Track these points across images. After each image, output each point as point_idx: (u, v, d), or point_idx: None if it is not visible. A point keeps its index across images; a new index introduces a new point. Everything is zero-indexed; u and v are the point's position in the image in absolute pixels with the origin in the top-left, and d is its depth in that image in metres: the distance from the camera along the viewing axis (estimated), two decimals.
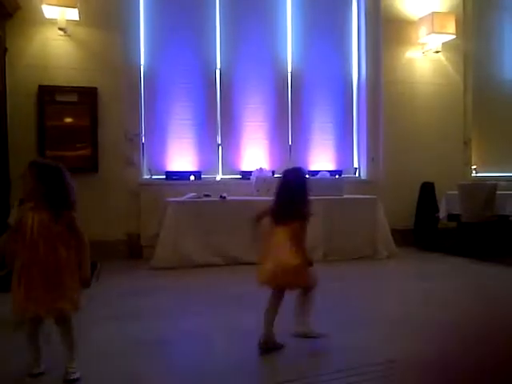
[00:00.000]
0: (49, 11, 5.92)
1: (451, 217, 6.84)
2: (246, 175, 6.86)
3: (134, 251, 6.45)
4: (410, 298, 4.34)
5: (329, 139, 7.45)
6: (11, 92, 5.94)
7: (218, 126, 7.01)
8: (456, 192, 6.65)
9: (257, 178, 6.52)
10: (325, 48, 7.41)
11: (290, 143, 7.29)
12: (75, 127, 6.23)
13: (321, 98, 7.41)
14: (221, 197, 6.07)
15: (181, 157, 6.81)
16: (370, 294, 4.58)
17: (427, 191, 7.32)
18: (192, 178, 6.73)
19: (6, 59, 5.91)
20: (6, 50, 5.89)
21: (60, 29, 6.04)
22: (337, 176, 7.20)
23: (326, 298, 4.35)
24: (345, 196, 6.56)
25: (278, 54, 7.22)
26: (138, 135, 6.60)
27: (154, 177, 6.71)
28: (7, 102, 5.91)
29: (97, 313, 3.90)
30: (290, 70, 7.27)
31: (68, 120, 6.23)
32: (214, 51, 6.95)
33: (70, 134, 6.22)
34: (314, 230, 6.12)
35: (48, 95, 6.09)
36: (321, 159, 7.39)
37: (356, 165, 7.67)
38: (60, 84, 6.12)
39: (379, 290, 4.80)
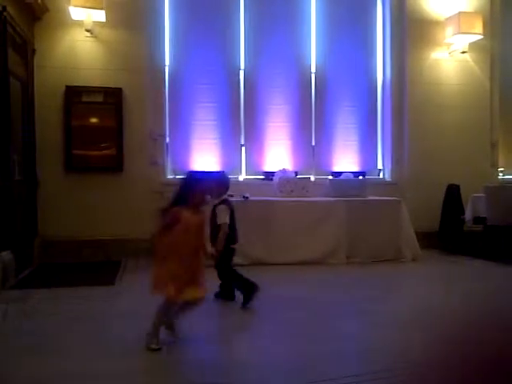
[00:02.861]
0: (76, 13, 6.01)
1: (477, 219, 6.73)
2: (268, 176, 6.86)
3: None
4: (433, 301, 4.28)
5: (353, 140, 7.40)
6: (39, 92, 6.06)
7: (241, 126, 7.02)
8: (482, 194, 6.54)
9: (280, 178, 6.52)
10: (349, 48, 7.36)
11: (314, 144, 7.26)
12: (101, 127, 6.32)
13: (345, 98, 7.36)
14: (243, 197, 6.08)
15: (204, 157, 6.85)
16: (393, 296, 4.53)
17: (453, 193, 7.22)
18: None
19: (35, 61, 6.03)
20: (34, 51, 6.00)
21: (87, 30, 6.13)
22: (360, 177, 7.14)
23: (352, 300, 4.34)
24: (368, 197, 6.51)
25: (302, 53, 7.20)
26: (163, 135, 6.65)
27: (177, 176, 6.76)
28: (35, 102, 6.03)
29: (122, 307, 3.95)
30: (313, 69, 7.25)
31: (94, 120, 6.32)
32: (238, 52, 6.97)
33: (96, 134, 6.31)
34: (337, 231, 6.11)
35: (75, 95, 6.19)
36: (344, 160, 7.35)
37: (380, 166, 7.60)
38: (86, 84, 6.21)
39: (403, 292, 4.75)
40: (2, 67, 4.84)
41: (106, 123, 6.32)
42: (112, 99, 6.29)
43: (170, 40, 6.73)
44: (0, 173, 4.82)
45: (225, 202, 4.15)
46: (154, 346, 3.00)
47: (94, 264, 6.03)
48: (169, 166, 6.77)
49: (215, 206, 4.12)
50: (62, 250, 6.17)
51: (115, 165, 6.36)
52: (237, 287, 4.18)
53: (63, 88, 6.15)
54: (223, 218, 4.02)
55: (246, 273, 4.61)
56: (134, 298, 4.35)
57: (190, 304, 3.13)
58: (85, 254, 6.22)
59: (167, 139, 6.74)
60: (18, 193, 5.32)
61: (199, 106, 6.83)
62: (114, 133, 6.33)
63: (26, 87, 5.78)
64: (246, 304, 3.98)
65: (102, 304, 4.23)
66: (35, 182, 6.06)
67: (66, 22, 6.14)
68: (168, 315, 3.17)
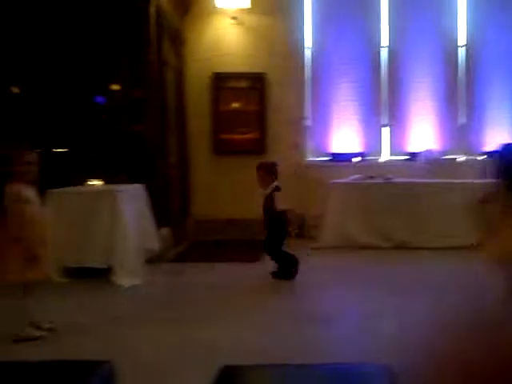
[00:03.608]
0: (221, 1, 6.27)
1: None
2: (413, 156, 6.60)
3: (299, 230, 6.62)
4: None
5: (508, 117, 6.80)
6: (189, 81, 6.47)
7: (383, 105, 6.83)
8: None
9: (425, 159, 6.24)
10: (504, 20, 6.71)
11: (462, 122, 6.81)
12: (245, 111, 6.57)
13: (498, 73, 6.77)
14: (386, 178, 5.94)
15: (345, 138, 6.79)
16: None
17: None
18: (356, 159, 6.68)
19: (185, 50, 6.43)
20: (185, 41, 6.40)
21: (232, 18, 6.37)
22: None
23: None
24: None
25: (447, 27, 6.75)
26: (304, 118, 6.72)
27: (318, 158, 6.80)
28: (186, 89, 6.45)
29: (264, 288, 4.14)
30: (461, 43, 6.76)
31: (239, 105, 6.59)
32: (379, 29, 6.75)
33: (241, 118, 6.58)
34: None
35: (221, 81, 6.50)
36: (497, 140, 6.79)
37: None
38: (232, 70, 6.48)
39: None
40: (159, 58, 5.25)
41: (250, 107, 6.55)
42: (256, 83, 6.50)
43: (311, 21, 6.73)
44: (159, 157, 5.26)
45: (278, 189, 4.40)
46: None
47: (241, 242, 6.34)
48: (309, 148, 6.83)
49: (269, 195, 4.36)
50: (211, 229, 6.57)
51: (258, 147, 6.58)
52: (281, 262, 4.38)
53: (211, 74, 6.49)
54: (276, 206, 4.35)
55: (385, 255, 4.59)
56: None
57: None
58: (231, 233, 6.56)
59: (308, 121, 6.80)
60: (173, 175, 5.77)
61: (340, 86, 6.77)
62: (258, 117, 6.55)
63: (178, 75, 6.21)
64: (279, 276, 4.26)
65: (249, 279, 4.45)
66: (187, 165, 6.51)
67: (212, 11, 6.44)
68: None
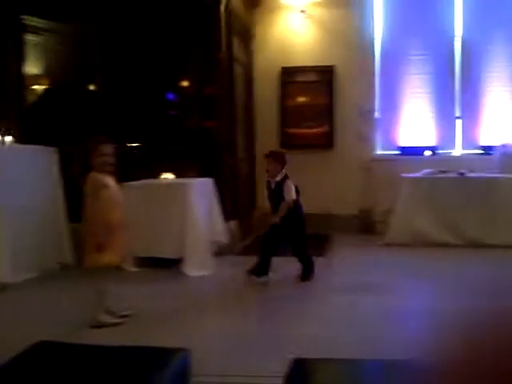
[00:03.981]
0: None
1: None
2: (487, 150, 6.33)
3: (365, 226, 6.54)
4: None
5: None
6: (257, 75, 6.53)
7: (456, 97, 6.59)
8: None
9: (501, 154, 5.97)
10: None
11: None
12: (313, 105, 6.55)
13: None
14: (459, 173, 5.74)
15: (415, 131, 6.62)
16: None
17: None
18: (427, 153, 6.49)
19: (254, 45, 6.49)
20: (253, 36, 6.46)
21: (301, 11, 6.36)
22: None
23: None
24: None
25: None
26: (372, 110, 6.61)
27: (387, 152, 6.67)
28: (254, 84, 6.51)
29: (330, 283, 4.13)
30: None
31: (307, 98, 6.57)
32: (452, 19, 6.50)
33: (308, 112, 6.56)
34: None
35: (289, 76, 6.51)
36: None
37: None
38: (300, 64, 6.47)
39: None
40: (229, 55, 5.33)
41: (317, 101, 6.52)
42: (324, 77, 6.46)
43: (383, 13, 6.59)
44: (227, 152, 5.36)
45: (288, 177, 4.20)
46: None
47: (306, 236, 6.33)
48: (378, 141, 6.71)
49: (280, 182, 4.15)
50: None
51: (326, 141, 6.54)
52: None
53: (279, 69, 6.51)
54: (292, 194, 4.16)
55: (457, 254, 4.43)
56: (343, 270, 4.52)
57: None
58: None
59: (376, 114, 6.68)
60: (241, 169, 5.86)
61: (410, 77, 6.59)
62: (326, 110, 6.51)
63: (247, 71, 6.28)
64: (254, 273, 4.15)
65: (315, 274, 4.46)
66: (254, 159, 6.58)
67: (281, 6, 6.45)
68: None
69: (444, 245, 5.48)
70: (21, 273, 4.25)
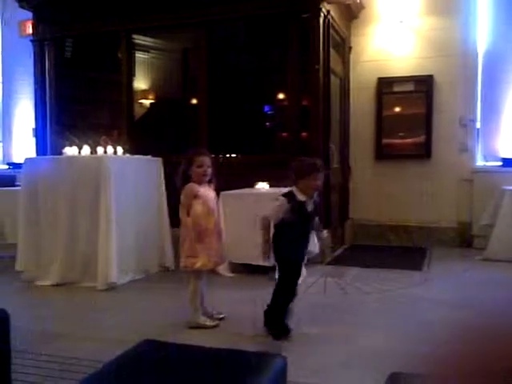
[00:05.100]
0: (388, 5, 6.22)
1: None
2: None
3: (464, 240, 6.31)
4: None
5: None
6: (354, 86, 6.54)
7: None
8: None
9: None
10: None
11: None
12: (410, 115, 6.44)
13: None
14: None
15: None
16: None
17: None
18: None
19: (351, 56, 6.51)
20: (350, 48, 6.49)
21: (400, 22, 6.29)
22: None
23: None
24: None
25: None
26: (473, 120, 6.37)
27: (488, 163, 6.39)
28: (351, 95, 6.53)
29: (432, 294, 4.03)
30: None
31: (403, 109, 6.48)
32: None
33: (405, 122, 6.45)
34: None
35: (386, 86, 6.45)
36: None
37: None
38: (397, 75, 6.39)
39: None
40: (326, 66, 5.40)
41: (415, 111, 6.40)
42: (422, 87, 6.32)
43: (485, 21, 6.32)
44: (322, 161, 5.42)
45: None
46: None
47: (400, 248, 6.24)
48: (479, 152, 6.45)
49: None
50: (370, 233, 6.57)
51: (423, 152, 6.40)
52: None
53: (375, 80, 6.47)
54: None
55: None
56: (444, 285, 4.40)
57: None
58: (390, 239, 6.49)
59: (478, 124, 6.42)
60: (334, 179, 5.90)
61: None
62: (423, 120, 6.37)
63: (343, 82, 6.31)
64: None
65: (411, 288, 4.39)
66: (348, 169, 6.59)
67: (379, 17, 6.42)
68: None
69: None
70: (127, 274, 4.61)
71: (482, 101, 6.40)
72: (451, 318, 3.47)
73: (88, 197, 4.49)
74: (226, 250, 3.63)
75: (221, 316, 3.47)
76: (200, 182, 3.34)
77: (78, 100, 6.51)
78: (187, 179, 3.33)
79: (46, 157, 5.76)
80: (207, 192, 3.38)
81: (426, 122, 6.36)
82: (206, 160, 3.36)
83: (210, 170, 3.36)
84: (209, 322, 3.37)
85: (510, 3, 6.21)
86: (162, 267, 5.00)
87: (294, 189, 3.13)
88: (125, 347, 1.80)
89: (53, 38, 6.37)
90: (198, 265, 3.30)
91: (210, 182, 3.41)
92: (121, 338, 2.92)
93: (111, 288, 4.34)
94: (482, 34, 6.34)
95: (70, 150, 4.79)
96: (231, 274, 4.73)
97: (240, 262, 4.71)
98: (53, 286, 4.51)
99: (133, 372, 1.67)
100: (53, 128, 6.47)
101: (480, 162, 6.43)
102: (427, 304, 3.87)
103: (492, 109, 6.38)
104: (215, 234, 3.39)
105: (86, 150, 4.74)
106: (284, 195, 3.13)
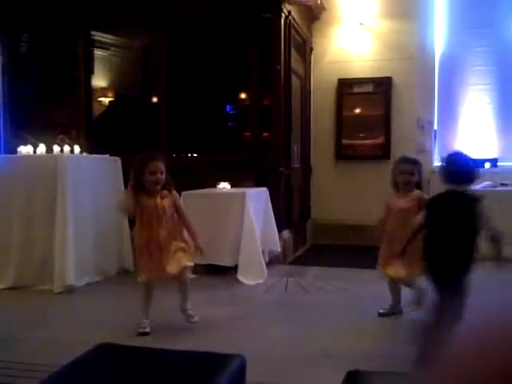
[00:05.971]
0: (349, 7, 6.30)
1: None
2: None
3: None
4: None
5: None
6: (315, 87, 6.60)
7: None
8: None
9: None
10: None
11: None
12: (369, 116, 6.54)
13: None
14: None
15: (475, 143, 6.46)
16: None
17: None
18: (487, 165, 6.32)
19: (312, 57, 6.56)
20: (311, 49, 6.54)
21: (360, 24, 6.37)
22: None
23: None
24: None
25: None
26: (431, 122, 6.52)
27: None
28: (312, 96, 6.58)
29: (381, 290, 4.08)
30: None
31: (363, 110, 6.58)
32: None
33: (365, 123, 6.56)
34: None
35: (346, 87, 6.53)
36: None
37: None
38: (357, 76, 6.48)
39: None
40: (287, 67, 5.42)
41: (374, 112, 6.51)
42: (381, 88, 6.44)
43: (442, 24, 6.48)
44: (282, 162, 5.44)
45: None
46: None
47: (360, 247, 6.31)
48: (436, 154, 6.61)
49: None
50: (331, 233, 6.62)
51: (382, 153, 6.50)
52: None
53: (336, 81, 6.54)
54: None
55: None
56: None
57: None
58: (351, 238, 6.56)
59: (435, 125, 6.58)
60: (296, 179, 5.93)
61: (471, 89, 6.45)
62: (383, 121, 6.48)
63: (304, 83, 6.35)
64: None
65: (370, 285, 4.44)
66: (309, 169, 6.64)
67: (340, 19, 6.49)
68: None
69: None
70: (84, 277, 4.49)
71: (439, 103, 6.56)
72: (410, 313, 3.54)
73: (44, 197, 4.37)
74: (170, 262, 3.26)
75: (192, 320, 3.36)
76: (151, 190, 3.18)
77: (33, 97, 6.30)
78: (140, 184, 3.17)
79: None
80: (151, 202, 3.18)
81: (384, 124, 6.47)
82: (159, 165, 3.16)
83: (163, 177, 3.17)
84: (141, 330, 3.21)
85: (466, 8, 6.39)
86: (121, 269, 4.90)
87: None
88: (80, 351, 1.75)
89: (7, 33, 6.17)
90: (141, 278, 3.23)
91: (165, 187, 3.23)
92: (76, 342, 2.83)
93: (68, 291, 4.23)
94: (439, 38, 6.51)
95: (25, 149, 4.64)
96: (193, 276, 4.65)
97: (203, 263, 4.65)
98: (7, 289, 4.36)
99: (87, 377, 1.63)
100: (7, 126, 6.26)
101: (437, 163, 6.58)
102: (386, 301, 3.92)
103: (449, 111, 6.55)
104: (157, 246, 3.19)
105: (41, 148, 4.60)
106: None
